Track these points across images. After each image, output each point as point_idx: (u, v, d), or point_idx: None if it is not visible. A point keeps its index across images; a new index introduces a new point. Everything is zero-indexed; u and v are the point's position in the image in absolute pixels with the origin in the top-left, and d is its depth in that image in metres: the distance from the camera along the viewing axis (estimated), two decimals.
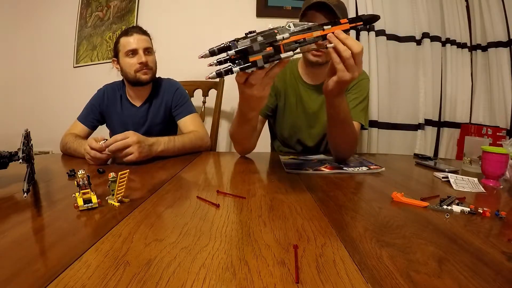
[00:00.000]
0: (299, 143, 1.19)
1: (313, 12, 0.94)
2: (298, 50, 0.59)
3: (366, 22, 0.65)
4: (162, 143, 0.95)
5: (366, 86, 1.09)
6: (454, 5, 1.87)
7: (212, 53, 0.49)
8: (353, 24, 0.63)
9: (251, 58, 0.48)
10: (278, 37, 0.51)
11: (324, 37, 0.61)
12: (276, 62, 0.52)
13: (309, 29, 0.57)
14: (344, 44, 0.61)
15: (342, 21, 0.62)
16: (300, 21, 1.01)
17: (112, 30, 1.89)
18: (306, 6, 0.94)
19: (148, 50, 1.16)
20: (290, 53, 0.52)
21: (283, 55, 0.50)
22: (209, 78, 0.50)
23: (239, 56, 0.49)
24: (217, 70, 0.49)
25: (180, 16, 1.83)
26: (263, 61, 0.49)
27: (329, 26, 0.60)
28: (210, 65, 0.50)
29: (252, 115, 0.75)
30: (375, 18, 0.66)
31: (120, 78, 1.25)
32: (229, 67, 0.49)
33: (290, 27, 0.55)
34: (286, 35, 0.52)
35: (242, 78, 0.55)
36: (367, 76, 1.12)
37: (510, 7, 1.76)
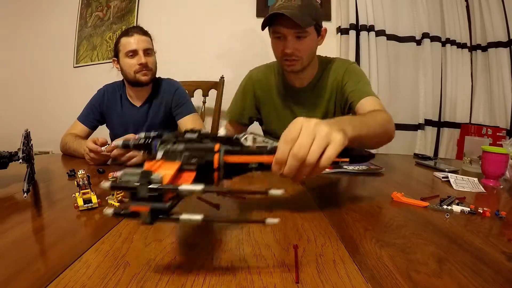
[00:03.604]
0: None
1: (277, 25, 0.89)
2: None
3: (355, 160, 0.51)
4: None
5: (355, 68, 1.04)
6: (454, 5, 1.87)
7: (125, 146, 0.45)
8: (338, 159, 0.46)
9: (133, 208, 0.26)
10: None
11: None
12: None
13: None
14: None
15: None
16: (263, 29, 0.87)
17: (112, 30, 1.89)
18: (264, 20, 0.88)
19: (148, 51, 1.16)
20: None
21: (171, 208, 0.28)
22: None
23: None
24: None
25: (180, 16, 1.83)
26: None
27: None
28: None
29: None
30: (369, 156, 0.53)
31: (120, 78, 1.25)
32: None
33: (247, 140, 0.44)
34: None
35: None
36: (352, 62, 1.09)
37: (510, 7, 1.76)
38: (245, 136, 0.43)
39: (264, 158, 0.43)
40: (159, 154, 0.38)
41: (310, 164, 0.42)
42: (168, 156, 0.37)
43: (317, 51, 1.14)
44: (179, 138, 0.41)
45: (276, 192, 0.26)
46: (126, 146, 0.44)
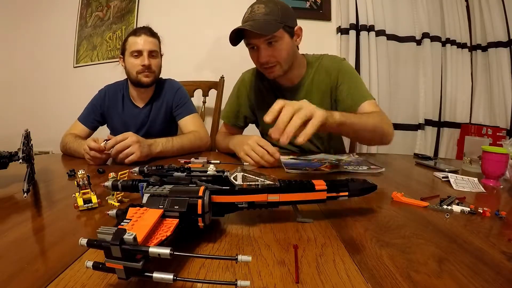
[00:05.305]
0: (291, 144, 1.18)
1: (246, 37, 0.92)
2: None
3: (354, 194, 0.46)
4: (160, 144, 0.95)
5: (348, 67, 1.06)
6: (454, 5, 1.87)
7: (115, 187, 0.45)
8: (333, 194, 0.45)
9: (108, 264, 0.28)
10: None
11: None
12: None
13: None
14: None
15: (317, 186, 0.44)
16: (234, 45, 0.87)
17: (112, 30, 1.89)
18: (230, 38, 0.90)
19: (154, 53, 1.16)
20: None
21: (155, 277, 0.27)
22: None
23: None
24: None
25: (180, 16, 1.83)
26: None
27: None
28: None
29: None
30: (370, 189, 0.48)
31: (121, 77, 1.25)
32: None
33: (237, 178, 0.42)
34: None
35: None
36: (342, 58, 1.10)
37: (510, 7, 1.76)
38: (235, 174, 0.43)
39: (254, 198, 0.41)
40: (145, 198, 0.39)
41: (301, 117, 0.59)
42: (153, 201, 0.38)
43: (317, 50, 1.14)
44: (168, 179, 0.42)
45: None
46: (115, 188, 0.45)
